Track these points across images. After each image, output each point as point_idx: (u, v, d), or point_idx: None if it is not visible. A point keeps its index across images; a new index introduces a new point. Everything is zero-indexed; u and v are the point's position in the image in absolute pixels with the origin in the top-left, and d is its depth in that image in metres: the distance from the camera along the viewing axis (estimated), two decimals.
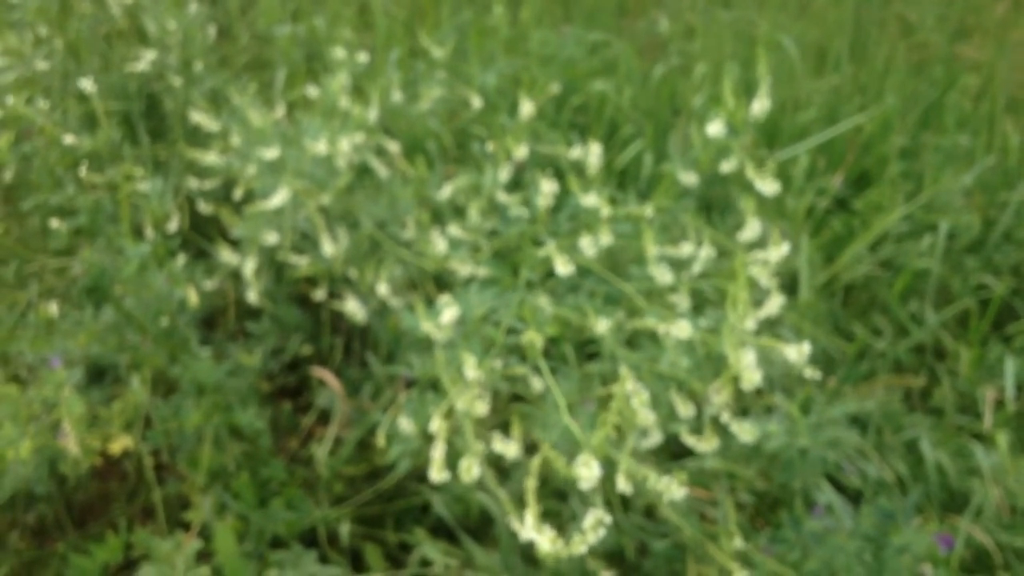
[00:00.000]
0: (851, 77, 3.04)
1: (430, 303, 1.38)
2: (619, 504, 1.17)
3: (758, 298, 1.01)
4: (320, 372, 1.94)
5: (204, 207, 2.08)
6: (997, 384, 2.02)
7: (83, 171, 1.72)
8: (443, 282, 1.91)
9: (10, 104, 1.60)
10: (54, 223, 1.70)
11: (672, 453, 1.85)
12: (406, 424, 1.37)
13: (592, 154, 1.20)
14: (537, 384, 1.34)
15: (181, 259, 1.80)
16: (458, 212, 1.98)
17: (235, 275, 2.09)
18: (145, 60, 2.35)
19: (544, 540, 0.90)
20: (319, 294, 1.99)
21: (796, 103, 2.71)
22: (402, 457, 1.44)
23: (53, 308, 1.68)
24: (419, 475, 1.84)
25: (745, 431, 1.00)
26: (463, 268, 1.62)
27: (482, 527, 1.79)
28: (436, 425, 1.01)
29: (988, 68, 3.39)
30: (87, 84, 1.79)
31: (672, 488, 0.95)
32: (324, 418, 2.07)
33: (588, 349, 2.04)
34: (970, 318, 2.15)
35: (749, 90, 1.56)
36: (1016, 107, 3.34)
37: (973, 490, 1.77)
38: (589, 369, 1.46)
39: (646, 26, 3.76)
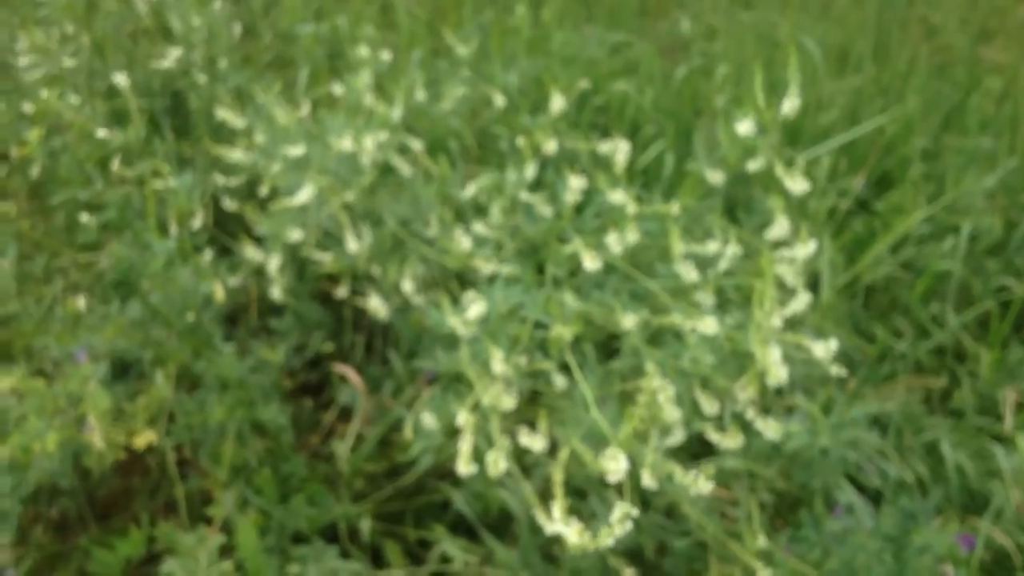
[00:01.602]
0: (873, 78, 3.03)
1: (453, 300, 1.38)
2: (639, 502, 1.17)
3: (783, 297, 1.02)
4: (342, 368, 1.95)
5: (229, 204, 2.10)
6: (1017, 386, 2.02)
7: (115, 165, 1.74)
8: (466, 280, 1.92)
9: (43, 98, 1.62)
10: (83, 218, 1.72)
11: (692, 452, 1.86)
12: (429, 420, 1.38)
13: (619, 151, 1.20)
14: (560, 381, 1.35)
15: (207, 255, 1.82)
16: (480, 210, 1.99)
17: (258, 272, 2.11)
18: (170, 57, 2.37)
19: (572, 532, 0.91)
20: (341, 291, 2.00)
21: (818, 104, 2.71)
22: (424, 453, 1.45)
23: (80, 302, 1.70)
24: (439, 472, 1.86)
25: (770, 428, 1.01)
26: (487, 266, 1.63)
27: (502, 524, 1.80)
28: (463, 418, 1.01)
29: (1011, 70, 3.37)
30: (120, 79, 1.81)
31: (699, 483, 0.95)
32: (345, 415, 2.09)
33: (608, 347, 2.05)
34: (991, 320, 2.14)
35: (772, 91, 1.56)
36: None
37: (993, 492, 1.76)
38: (611, 366, 1.47)
39: (668, 27, 3.76)
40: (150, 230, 1.73)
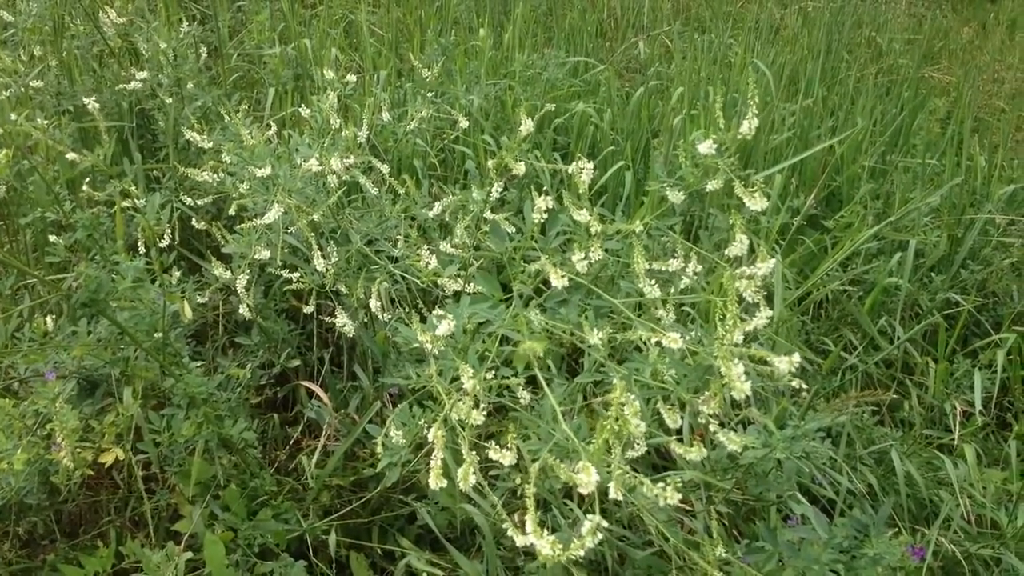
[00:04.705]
0: (822, 99, 3.14)
1: (420, 318, 1.42)
2: (598, 511, 1.21)
3: (742, 313, 1.07)
4: (309, 384, 1.98)
5: (197, 223, 2.11)
6: (964, 398, 2.10)
7: (85, 188, 1.75)
8: (431, 296, 1.96)
9: (12, 120, 1.64)
10: (52, 238, 1.73)
11: (649, 463, 1.91)
12: (396, 435, 1.41)
13: (583, 171, 1.25)
14: (525, 395, 1.39)
15: (175, 274, 1.84)
16: (445, 228, 2.02)
17: (226, 289, 2.12)
18: (138, 79, 2.38)
19: (545, 545, 0.95)
20: (308, 308, 2.03)
21: (771, 125, 2.80)
22: (390, 468, 1.48)
23: (49, 322, 1.71)
24: (405, 486, 1.89)
25: (732, 441, 1.06)
26: (453, 284, 1.67)
27: (466, 537, 1.84)
28: (434, 434, 1.05)
29: (955, 91, 3.50)
30: (89, 102, 1.83)
31: (667, 494, 0.99)
32: (312, 430, 2.11)
33: (571, 361, 2.10)
34: (938, 333, 2.22)
35: (726, 112, 1.62)
36: (982, 129, 3.46)
37: (942, 500, 1.84)
38: (575, 380, 1.52)
39: (625, 49, 3.85)
40: (118, 250, 1.75)
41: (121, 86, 2.49)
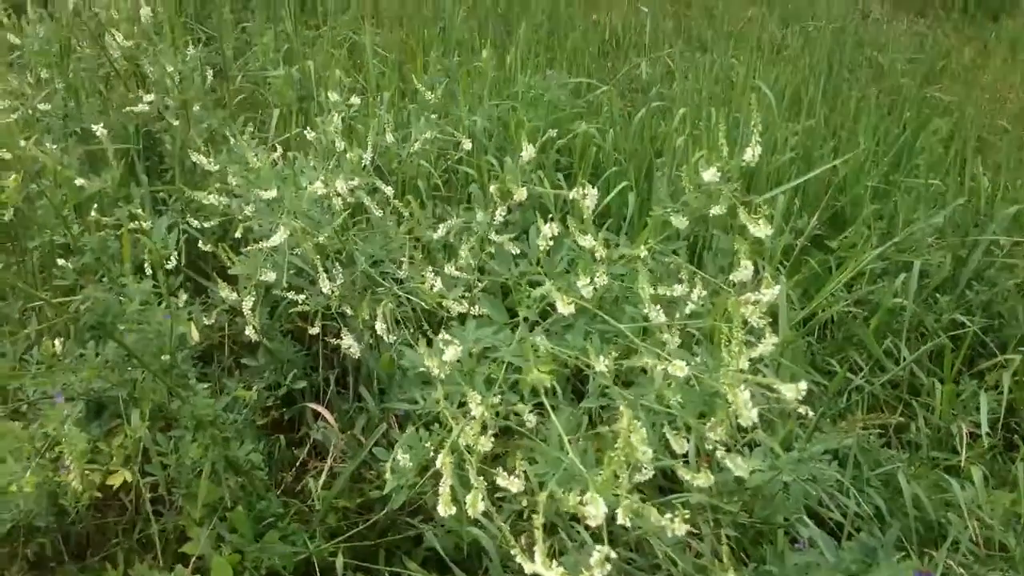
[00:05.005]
0: (825, 120, 3.15)
1: (425, 339, 1.42)
2: (606, 538, 1.21)
3: (748, 338, 1.07)
4: (316, 407, 1.98)
5: (203, 245, 2.12)
6: (971, 419, 2.10)
7: (92, 212, 1.77)
8: (436, 317, 1.97)
9: (22, 147, 1.65)
10: (60, 261, 1.74)
11: (656, 486, 1.91)
12: (403, 459, 1.42)
13: (587, 197, 1.26)
14: (531, 418, 1.39)
15: (182, 297, 1.84)
16: (448, 249, 2.03)
17: (232, 310, 2.13)
18: (144, 102, 2.40)
19: None
20: (314, 329, 2.03)
21: (774, 145, 2.81)
22: (398, 491, 1.48)
23: (57, 345, 1.72)
24: (411, 509, 1.89)
25: (740, 467, 1.06)
26: (458, 306, 1.68)
27: (473, 560, 1.84)
28: (442, 461, 1.05)
29: (958, 111, 3.51)
30: (98, 129, 1.85)
31: (675, 526, 0.99)
32: (318, 451, 2.11)
33: (575, 383, 2.10)
34: (944, 355, 2.22)
35: (729, 132, 1.63)
36: (985, 149, 3.47)
37: (950, 523, 1.83)
38: (580, 405, 1.52)
39: (627, 70, 3.87)
40: (125, 273, 1.76)
41: (128, 109, 2.50)
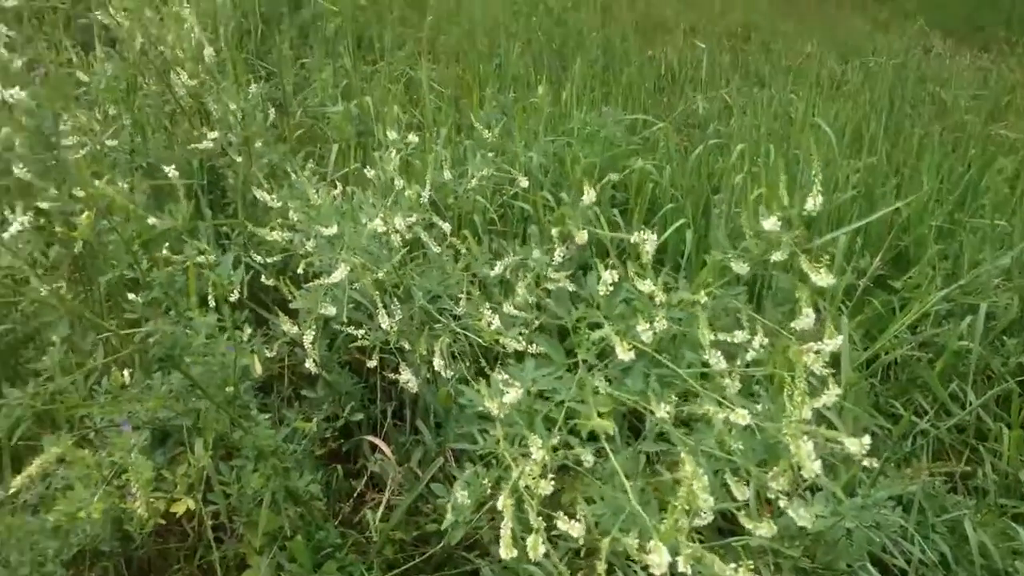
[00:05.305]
0: (887, 157, 3.11)
1: (482, 374, 1.43)
2: None
3: (811, 386, 1.07)
4: (374, 439, 2.00)
5: (265, 279, 2.17)
6: None
7: (165, 250, 1.82)
8: (492, 353, 1.98)
9: (94, 184, 1.71)
10: (131, 296, 1.79)
11: (716, 527, 1.88)
12: (461, 496, 1.43)
13: (647, 241, 1.27)
14: (589, 457, 1.39)
15: (246, 331, 1.88)
16: (505, 284, 2.05)
17: (291, 342, 2.17)
18: (209, 139, 2.47)
19: None
20: (371, 362, 2.06)
21: (834, 183, 2.78)
22: (455, 526, 1.49)
23: (125, 375, 1.76)
24: (467, 543, 1.89)
25: (803, 517, 1.04)
26: (516, 344, 1.69)
27: None
28: (504, 502, 1.06)
29: None
30: (169, 171, 1.91)
31: (739, 574, 0.98)
32: (374, 482, 2.13)
33: (631, 423, 2.09)
34: (1012, 399, 2.16)
35: (787, 170, 1.62)
36: None
37: (1017, 571, 1.78)
38: (638, 447, 1.51)
39: (684, 105, 3.87)
40: (192, 307, 1.80)
41: (193, 145, 2.57)
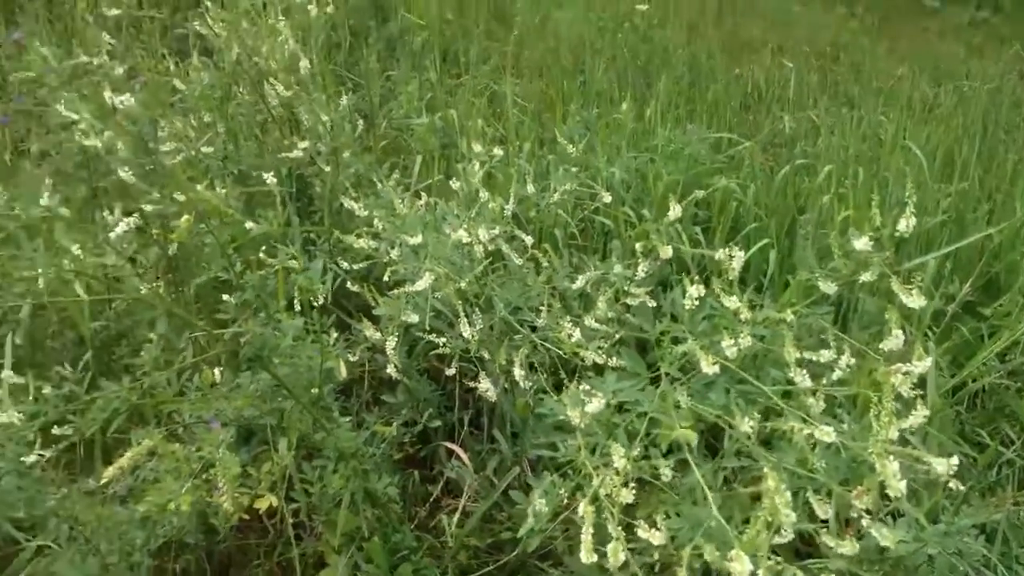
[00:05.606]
0: (979, 182, 3.03)
1: (559, 387, 1.45)
2: None
3: (897, 408, 1.06)
4: (451, 446, 2.04)
5: (350, 285, 2.22)
6: None
7: (261, 254, 1.89)
8: (570, 365, 1.99)
9: (194, 188, 1.79)
10: (225, 297, 1.86)
11: (793, 549, 1.86)
12: (539, 504, 1.44)
13: (734, 259, 1.27)
14: (667, 471, 1.40)
15: (332, 335, 1.94)
16: (584, 298, 2.06)
17: (372, 347, 2.22)
18: (299, 148, 2.54)
19: None
20: (450, 370, 2.09)
21: (924, 208, 2.72)
22: (532, 534, 1.50)
23: (216, 373, 1.83)
24: (541, 552, 1.91)
25: (886, 537, 1.03)
26: (596, 357, 1.70)
27: None
28: (584, 509, 1.07)
29: None
30: (268, 177, 1.99)
31: None
32: (450, 488, 2.16)
33: (709, 439, 2.08)
34: None
35: (878, 191, 1.60)
36: None
37: None
38: (717, 463, 1.51)
39: (770, 123, 3.83)
40: (281, 310, 1.86)
41: (283, 154, 2.65)
